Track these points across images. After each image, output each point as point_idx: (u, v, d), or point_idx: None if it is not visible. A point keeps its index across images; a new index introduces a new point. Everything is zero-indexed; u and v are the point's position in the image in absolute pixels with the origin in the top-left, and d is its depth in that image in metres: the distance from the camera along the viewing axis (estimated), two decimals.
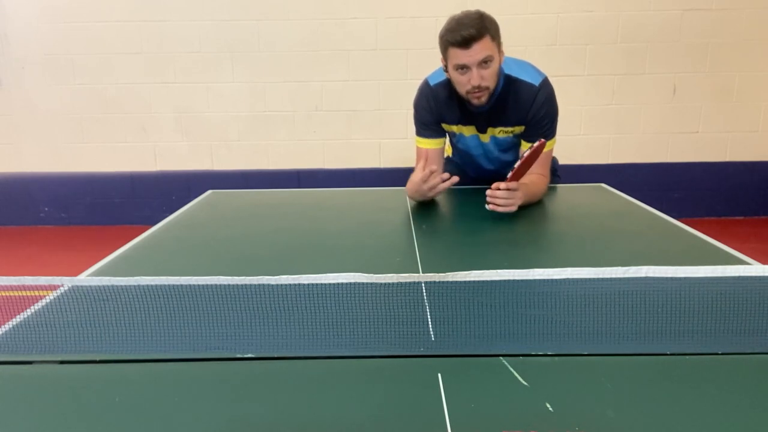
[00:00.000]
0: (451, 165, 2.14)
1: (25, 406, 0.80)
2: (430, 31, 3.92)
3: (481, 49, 1.62)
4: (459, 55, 1.64)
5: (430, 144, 1.92)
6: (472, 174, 2.11)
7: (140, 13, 3.90)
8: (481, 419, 0.75)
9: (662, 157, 4.09)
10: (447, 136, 2.00)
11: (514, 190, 1.65)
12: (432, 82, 1.86)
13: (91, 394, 0.82)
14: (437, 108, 1.85)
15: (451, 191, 1.99)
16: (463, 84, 1.69)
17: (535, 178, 1.86)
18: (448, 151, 2.17)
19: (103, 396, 0.82)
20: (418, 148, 1.96)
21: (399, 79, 3.93)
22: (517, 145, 1.93)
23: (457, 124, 1.89)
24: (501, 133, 1.88)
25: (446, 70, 1.76)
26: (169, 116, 4.08)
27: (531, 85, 1.77)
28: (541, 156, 1.86)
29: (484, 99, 1.72)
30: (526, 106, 1.78)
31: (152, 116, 4.08)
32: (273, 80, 4.00)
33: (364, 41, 3.91)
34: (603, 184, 2.17)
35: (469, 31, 1.59)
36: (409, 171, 1.85)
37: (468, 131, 1.90)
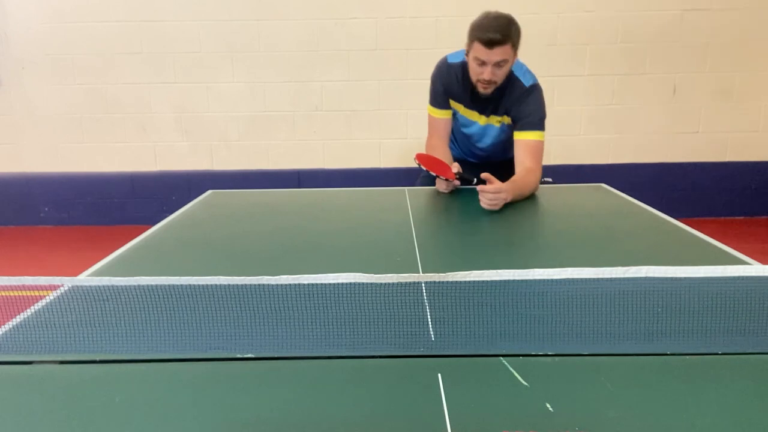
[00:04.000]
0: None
1: (25, 406, 0.80)
2: (430, 31, 3.93)
3: (500, 53, 1.86)
4: (480, 51, 1.87)
5: (439, 114, 2.17)
6: (456, 154, 2.32)
7: (140, 13, 3.90)
8: (481, 419, 0.75)
9: (662, 157, 4.09)
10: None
11: (498, 192, 1.76)
12: (450, 60, 2.11)
13: (91, 394, 0.82)
14: (449, 82, 2.09)
15: (452, 191, 2.00)
16: (477, 73, 1.95)
17: (524, 172, 1.94)
18: None
19: (103, 396, 0.82)
20: (430, 116, 2.21)
21: (399, 79, 3.93)
22: (505, 132, 2.13)
23: (461, 102, 2.11)
24: (496, 122, 2.10)
25: (467, 55, 1.98)
26: (169, 116, 4.08)
27: (522, 84, 2.02)
28: (530, 147, 2.00)
29: (489, 91, 1.98)
30: (513, 99, 2.02)
31: (152, 116, 4.08)
32: (273, 80, 4.00)
33: (364, 41, 3.90)
34: (603, 184, 2.17)
35: (495, 35, 1.83)
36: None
37: (471, 115, 2.13)
